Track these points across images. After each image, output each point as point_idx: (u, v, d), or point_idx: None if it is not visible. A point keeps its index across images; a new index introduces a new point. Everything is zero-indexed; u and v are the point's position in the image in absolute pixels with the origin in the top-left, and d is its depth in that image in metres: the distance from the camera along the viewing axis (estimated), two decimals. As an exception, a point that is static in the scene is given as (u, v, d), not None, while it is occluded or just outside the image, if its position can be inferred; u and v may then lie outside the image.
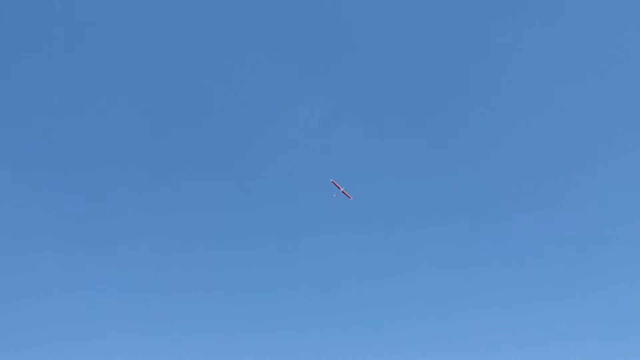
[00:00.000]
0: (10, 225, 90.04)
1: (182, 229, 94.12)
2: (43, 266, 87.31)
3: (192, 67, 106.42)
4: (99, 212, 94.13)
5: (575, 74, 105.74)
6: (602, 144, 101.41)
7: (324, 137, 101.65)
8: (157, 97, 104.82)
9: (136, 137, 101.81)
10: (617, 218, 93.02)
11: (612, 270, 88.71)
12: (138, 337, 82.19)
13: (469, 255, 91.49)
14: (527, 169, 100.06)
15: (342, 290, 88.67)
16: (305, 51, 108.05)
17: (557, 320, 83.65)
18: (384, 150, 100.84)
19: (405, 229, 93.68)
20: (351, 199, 79.99)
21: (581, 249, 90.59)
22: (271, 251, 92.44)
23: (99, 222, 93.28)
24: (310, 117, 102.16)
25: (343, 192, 79.86)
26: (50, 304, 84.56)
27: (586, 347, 79.66)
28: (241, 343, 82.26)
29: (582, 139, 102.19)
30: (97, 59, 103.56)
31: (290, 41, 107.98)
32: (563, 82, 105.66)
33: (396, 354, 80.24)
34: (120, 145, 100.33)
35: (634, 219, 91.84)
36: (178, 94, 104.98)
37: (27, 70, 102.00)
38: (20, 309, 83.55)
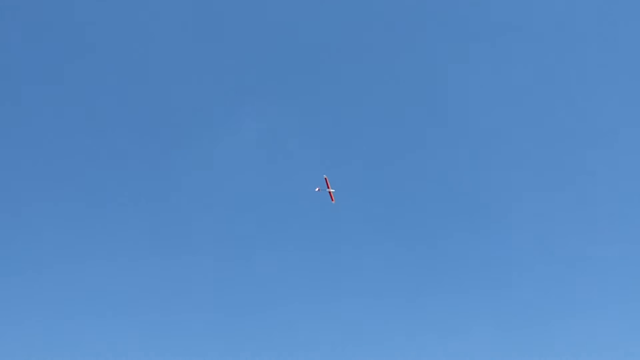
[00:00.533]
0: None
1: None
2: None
3: (135, 79, 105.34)
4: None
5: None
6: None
7: (268, 151, 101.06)
8: (104, 104, 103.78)
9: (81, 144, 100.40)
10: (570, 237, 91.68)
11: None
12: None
13: (415, 273, 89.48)
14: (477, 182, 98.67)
15: (282, 306, 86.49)
16: (248, 64, 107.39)
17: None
18: (332, 164, 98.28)
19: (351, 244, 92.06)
20: (333, 201, 77.68)
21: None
22: (209, 268, 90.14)
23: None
24: (255, 131, 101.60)
25: (329, 192, 76.93)
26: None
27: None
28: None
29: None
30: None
31: (233, 53, 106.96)
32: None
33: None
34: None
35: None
36: (122, 106, 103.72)
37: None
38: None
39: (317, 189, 77.19)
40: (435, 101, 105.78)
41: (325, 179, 76.79)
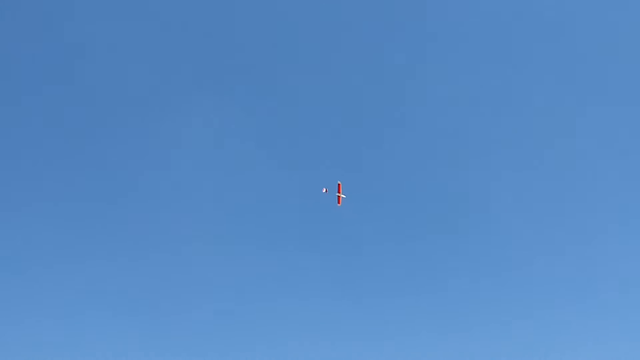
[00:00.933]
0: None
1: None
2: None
3: (75, 72, 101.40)
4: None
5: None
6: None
7: (215, 148, 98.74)
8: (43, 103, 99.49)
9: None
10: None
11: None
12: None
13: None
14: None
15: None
16: (195, 55, 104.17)
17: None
18: (280, 165, 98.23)
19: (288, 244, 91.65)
20: (339, 205, 78.03)
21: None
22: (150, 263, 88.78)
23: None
24: (202, 127, 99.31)
25: (338, 196, 76.98)
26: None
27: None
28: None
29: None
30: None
31: (179, 43, 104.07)
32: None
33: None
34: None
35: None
36: (62, 98, 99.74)
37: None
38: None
39: (324, 190, 77.27)
40: (393, 100, 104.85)
41: (339, 184, 77.21)
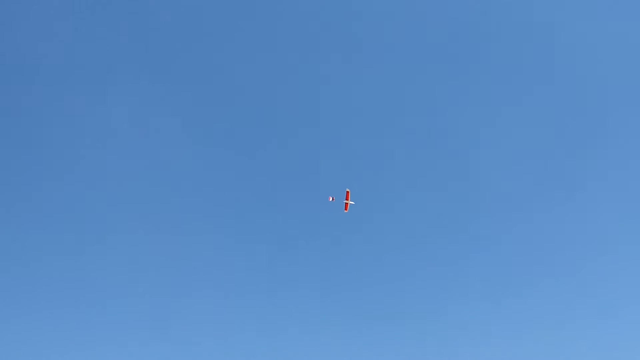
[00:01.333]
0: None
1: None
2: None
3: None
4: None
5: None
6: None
7: (136, 134, 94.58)
8: None
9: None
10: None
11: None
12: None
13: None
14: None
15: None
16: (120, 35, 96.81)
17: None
18: (208, 153, 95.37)
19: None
20: (346, 211, 78.81)
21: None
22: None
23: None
24: (121, 111, 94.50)
25: (346, 203, 77.62)
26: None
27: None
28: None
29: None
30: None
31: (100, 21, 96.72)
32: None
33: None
34: None
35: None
36: None
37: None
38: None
39: (330, 199, 77.72)
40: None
41: (347, 192, 77.70)
